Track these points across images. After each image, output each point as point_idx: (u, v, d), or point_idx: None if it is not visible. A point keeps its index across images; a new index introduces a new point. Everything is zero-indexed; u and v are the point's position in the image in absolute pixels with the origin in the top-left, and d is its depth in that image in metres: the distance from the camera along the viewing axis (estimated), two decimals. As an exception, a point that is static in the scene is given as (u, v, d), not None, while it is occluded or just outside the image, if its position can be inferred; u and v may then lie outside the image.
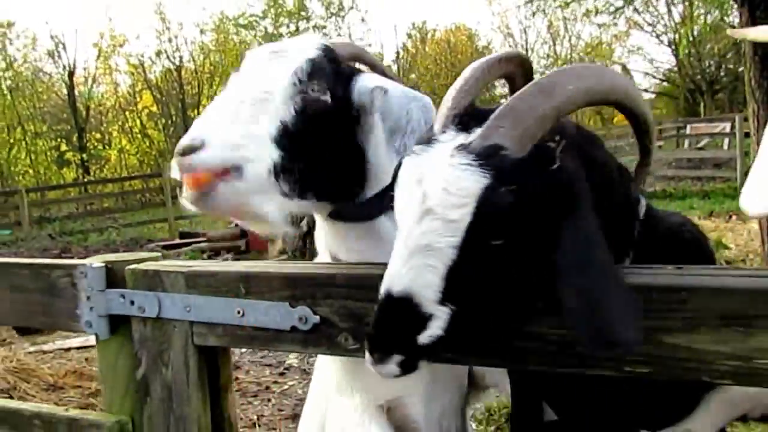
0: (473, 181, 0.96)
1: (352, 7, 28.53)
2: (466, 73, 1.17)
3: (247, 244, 11.93)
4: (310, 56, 1.36)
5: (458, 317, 1.00)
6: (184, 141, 1.23)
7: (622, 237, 1.23)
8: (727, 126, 19.43)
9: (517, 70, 1.26)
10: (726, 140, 18.77)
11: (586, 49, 31.67)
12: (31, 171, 25.55)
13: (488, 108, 1.08)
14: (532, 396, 1.36)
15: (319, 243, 1.61)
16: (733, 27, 16.99)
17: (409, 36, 33.94)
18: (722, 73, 29.02)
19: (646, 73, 33.34)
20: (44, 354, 6.46)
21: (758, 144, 6.72)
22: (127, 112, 28.15)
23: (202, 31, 28.98)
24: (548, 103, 1.00)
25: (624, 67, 34.07)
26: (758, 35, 1.28)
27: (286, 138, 1.29)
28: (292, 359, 5.68)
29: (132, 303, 1.37)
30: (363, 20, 35.73)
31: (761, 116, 6.63)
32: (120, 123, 28.23)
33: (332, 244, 1.54)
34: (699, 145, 19.58)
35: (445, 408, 1.53)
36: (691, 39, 18.30)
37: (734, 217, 10.59)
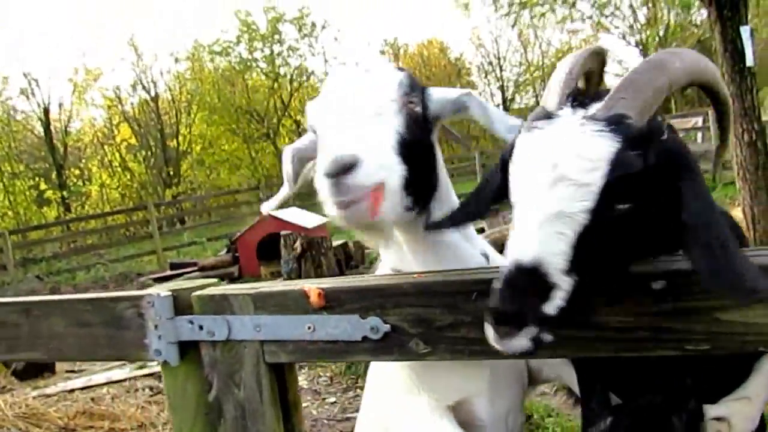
0: (605, 146, 1.02)
1: (324, 27, 28.74)
2: (569, 60, 1.24)
3: (239, 270, 11.94)
4: (402, 72, 1.42)
5: (579, 287, 1.04)
6: (336, 160, 1.22)
7: None
8: (699, 120, 19.85)
9: (598, 65, 1.32)
10: (699, 134, 19.15)
11: (557, 55, 32.17)
12: (10, 212, 25.23)
13: (598, 91, 1.17)
14: (599, 383, 1.44)
15: (385, 258, 1.64)
16: (697, 26, 17.46)
17: (382, 53, 34.27)
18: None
19: (617, 75, 33.91)
20: (48, 397, 6.39)
21: (736, 135, 6.93)
22: (105, 146, 27.98)
23: (176, 60, 28.98)
24: (662, 77, 1.09)
25: (594, 70, 34.61)
26: None
27: (403, 150, 1.32)
28: (302, 381, 5.70)
29: (201, 328, 1.43)
30: (336, 39, 35.97)
31: (736, 108, 6.84)
32: (99, 157, 28.04)
33: (405, 259, 1.56)
34: (693, 138, 19.92)
35: (510, 406, 1.59)
36: (657, 39, 18.78)
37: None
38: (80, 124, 28.98)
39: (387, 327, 1.28)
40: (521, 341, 1.02)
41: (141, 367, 6.96)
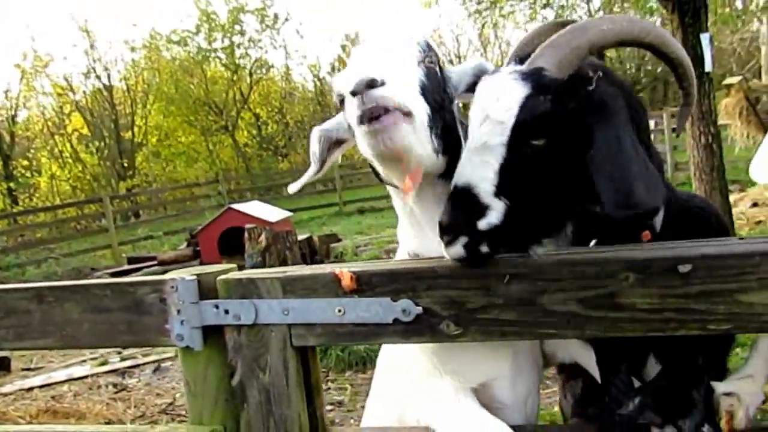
0: (517, 90, 1.27)
1: (287, 19, 28.43)
2: (529, 33, 1.54)
3: (200, 264, 11.76)
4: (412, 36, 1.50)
5: (512, 210, 1.25)
6: (364, 76, 1.23)
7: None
8: (652, 123, 20.47)
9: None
10: (652, 136, 19.75)
11: (516, 55, 32.63)
12: (-47, 204, 24.22)
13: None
14: (624, 364, 1.50)
15: (403, 241, 1.67)
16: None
17: (344, 48, 34.13)
18: (642, 74, 30.56)
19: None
20: (5, 396, 6.20)
21: (693, 138, 7.21)
22: (56, 136, 27.05)
23: (132, 49, 28.20)
24: (582, 37, 1.30)
25: (551, 71, 35.28)
26: None
27: (424, 94, 1.37)
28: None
29: (227, 312, 1.43)
30: (298, 32, 35.58)
31: (694, 112, 7.11)
32: (49, 148, 27.10)
33: (425, 239, 1.55)
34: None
35: (529, 389, 1.63)
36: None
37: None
38: (28, 113, 27.95)
39: (419, 309, 1.31)
40: (456, 248, 1.25)
41: (103, 364, 6.81)
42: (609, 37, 1.31)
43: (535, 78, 1.27)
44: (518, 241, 1.29)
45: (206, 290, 1.45)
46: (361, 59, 1.40)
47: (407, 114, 1.28)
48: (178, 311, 1.45)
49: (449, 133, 1.45)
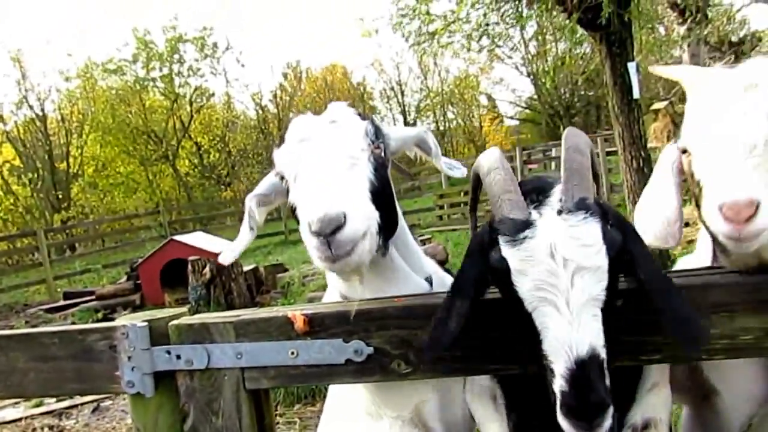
0: (594, 229, 1.17)
1: (227, 48, 28.30)
2: (500, 168, 1.35)
3: (141, 298, 11.43)
4: (365, 120, 1.53)
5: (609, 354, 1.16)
6: (327, 218, 1.27)
7: None
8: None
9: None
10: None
11: (456, 82, 33.48)
12: None
13: (532, 183, 1.32)
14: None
15: (332, 284, 1.70)
16: (582, 58, 18.83)
17: (285, 76, 34.22)
18: (576, 99, 31.78)
19: (511, 102, 35.72)
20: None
21: (625, 161, 7.55)
22: (-15, 168, 25.93)
23: (67, 79, 27.43)
24: (587, 158, 1.31)
25: (489, 97, 36.32)
26: (672, 74, 1.58)
27: (374, 195, 1.42)
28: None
29: (179, 357, 1.43)
30: (238, 61, 35.43)
31: (626, 137, 7.47)
32: (-23, 180, 25.93)
33: (353, 285, 1.56)
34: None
35: (464, 414, 1.66)
36: (548, 71, 20.07)
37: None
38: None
39: (370, 349, 1.36)
40: (608, 422, 1.12)
41: (38, 405, 6.52)
42: (590, 153, 1.34)
43: (594, 211, 1.19)
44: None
45: (157, 336, 1.45)
46: (316, 181, 1.39)
47: (363, 235, 1.33)
48: (129, 357, 1.45)
49: (391, 208, 1.51)
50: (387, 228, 1.46)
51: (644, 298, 1.22)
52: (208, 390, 1.44)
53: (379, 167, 1.47)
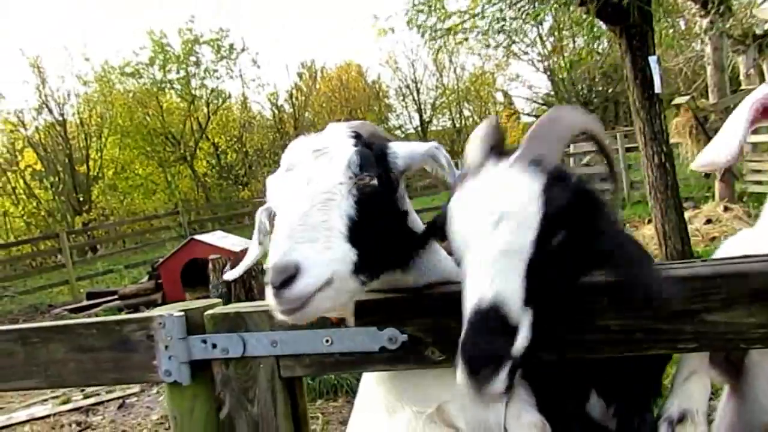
0: (536, 181, 1.14)
1: (243, 49, 28.47)
2: (480, 128, 1.38)
3: (163, 297, 11.55)
4: (354, 148, 1.41)
5: (537, 318, 1.11)
6: (278, 268, 1.21)
7: None
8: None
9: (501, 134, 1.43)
10: (606, 155, 20.30)
11: (471, 79, 33.36)
12: None
13: (511, 146, 1.31)
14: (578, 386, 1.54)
15: None
16: (600, 54, 18.66)
17: (300, 76, 34.32)
18: (594, 95, 31.53)
19: (527, 99, 35.53)
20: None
21: (647, 157, 7.47)
22: (8, 173, 26.33)
23: (85, 83, 27.78)
24: (561, 127, 1.30)
25: (506, 94, 36.15)
26: None
27: (355, 232, 1.32)
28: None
29: (214, 346, 1.45)
30: (254, 62, 35.51)
31: (647, 132, 7.38)
32: (1, 185, 26.32)
33: None
34: (583, 162, 21.12)
35: (488, 414, 1.61)
36: (566, 64, 19.96)
37: (627, 225, 11.56)
38: (-23, 149, 27.14)
39: (404, 337, 1.36)
40: (500, 382, 1.06)
41: (65, 402, 6.63)
42: (575, 128, 1.32)
43: (542, 168, 1.16)
44: (537, 355, 1.18)
45: (193, 325, 1.48)
46: (282, 221, 1.31)
47: (326, 284, 1.24)
48: (166, 347, 1.47)
49: (381, 234, 1.40)
50: (377, 260, 1.37)
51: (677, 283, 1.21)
52: (244, 378, 1.46)
53: (366, 199, 1.36)
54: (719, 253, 2.00)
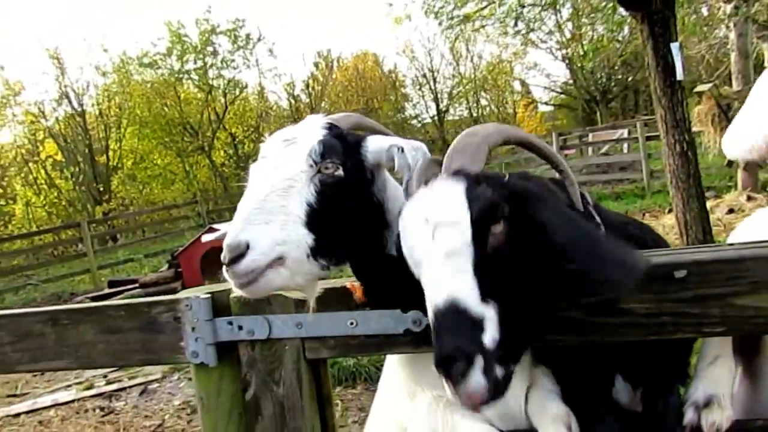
0: (455, 187, 1.22)
1: (260, 39, 28.51)
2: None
3: (182, 286, 11.68)
4: (319, 138, 1.48)
5: (505, 316, 1.14)
6: (229, 247, 1.33)
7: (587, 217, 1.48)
8: (625, 132, 20.87)
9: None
10: (625, 145, 20.18)
11: (488, 68, 33.14)
12: (-73, 233, 23.68)
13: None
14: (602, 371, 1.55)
15: None
16: (620, 42, 18.43)
17: (316, 65, 34.32)
18: (613, 84, 31.18)
19: (545, 87, 35.23)
20: (-10, 422, 6.12)
21: (668, 146, 7.39)
22: (30, 164, 26.71)
23: (103, 74, 28.03)
24: (479, 138, 1.36)
25: (523, 83, 35.88)
26: None
27: (314, 218, 1.40)
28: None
29: (240, 328, 1.47)
30: (271, 52, 35.62)
31: (668, 120, 7.29)
32: (23, 175, 26.71)
33: None
34: (602, 151, 20.94)
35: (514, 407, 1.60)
36: (587, 52, 19.71)
37: (647, 215, 11.45)
38: (1, 140, 27.54)
39: (428, 320, 1.37)
40: (476, 377, 1.08)
41: (88, 388, 6.75)
42: (493, 139, 1.38)
43: (462, 173, 1.25)
44: (520, 346, 1.22)
45: (219, 308, 1.50)
46: (241, 205, 1.41)
47: (275, 262, 1.35)
48: (193, 329, 1.49)
49: (361, 219, 1.50)
50: (338, 247, 1.45)
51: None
52: (269, 360, 1.48)
53: (329, 187, 1.44)
54: (738, 234, 1.99)
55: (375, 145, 1.54)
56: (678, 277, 1.26)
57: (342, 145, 1.49)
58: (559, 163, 1.47)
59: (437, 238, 1.18)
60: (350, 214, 1.48)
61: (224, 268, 1.32)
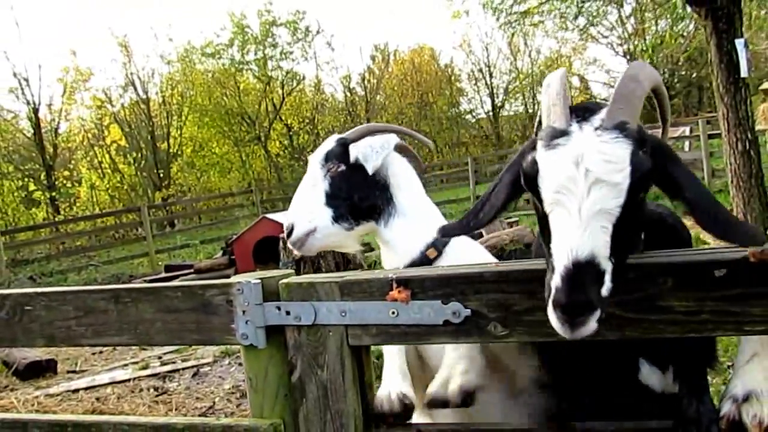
0: (624, 149, 1.24)
1: (319, 32, 28.85)
2: (556, 83, 1.41)
3: (235, 273, 11.98)
4: (326, 149, 2.27)
5: (617, 268, 1.23)
6: (285, 228, 2.24)
7: None
8: (687, 129, 20.22)
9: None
10: (686, 143, 19.55)
11: (546, 63, 32.56)
12: (-1, 213, 24.99)
13: (585, 104, 1.39)
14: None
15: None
16: (683, 37, 17.82)
17: (373, 59, 34.44)
18: (676, 80, 30.20)
19: (605, 83, 34.38)
20: (52, 397, 6.43)
21: (730, 144, 7.14)
22: (95, 148, 27.82)
23: (168, 62, 28.91)
24: (641, 88, 1.35)
25: (582, 79, 35.09)
26: None
27: (331, 198, 2.20)
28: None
29: (288, 313, 1.55)
30: (329, 44, 35.98)
31: (731, 118, 7.06)
32: (88, 159, 27.86)
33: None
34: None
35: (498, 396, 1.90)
36: (647, 50, 19.15)
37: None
38: (68, 125, 28.76)
39: (468, 311, 1.41)
40: (592, 324, 1.19)
41: (144, 368, 7.02)
42: (648, 86, 1.37)
43: (629, 134, 1.26)
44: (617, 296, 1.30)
45: (269, 293, 1.57)
46: (291, 204, 2.28)
47: (311, 231, 2.19)
48: (243, 312, 1.57)
49: (372, 198, 2.22)
50: (359, 210, 2.21)
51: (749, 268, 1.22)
52: (314, 344, 1.55)
53: (336, 179, 2.21)
54: None
55: (357, 148, 2.23)
56: (718, 276, 1.26)
57: (340, 151, 2.24)
58: (668, 119, 1.57)
59: (594, 192, 1.22)
60: (356, 191, 2.21)
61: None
